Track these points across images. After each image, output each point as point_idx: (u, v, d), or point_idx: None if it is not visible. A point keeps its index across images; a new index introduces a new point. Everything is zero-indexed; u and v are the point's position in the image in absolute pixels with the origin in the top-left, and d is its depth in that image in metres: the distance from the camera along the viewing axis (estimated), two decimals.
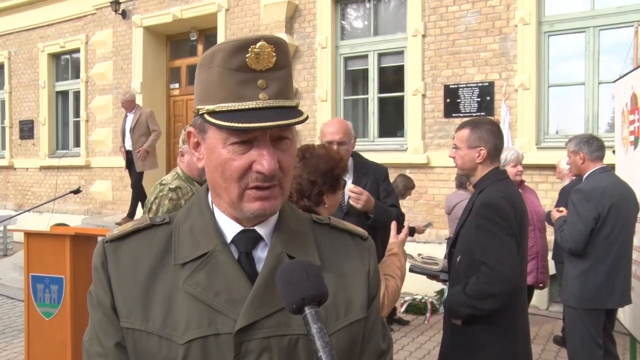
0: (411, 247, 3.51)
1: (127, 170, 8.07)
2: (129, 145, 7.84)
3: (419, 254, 2.75)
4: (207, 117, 0.89)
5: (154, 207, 2.92)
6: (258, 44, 0.86)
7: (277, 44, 0.88)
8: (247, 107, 0.87)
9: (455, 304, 2.33)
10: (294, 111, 0.90)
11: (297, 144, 1.03)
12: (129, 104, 7.84)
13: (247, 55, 0.86)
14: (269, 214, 0.94)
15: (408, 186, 5.82)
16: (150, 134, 7.79)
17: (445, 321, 2.47)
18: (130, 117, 7.85)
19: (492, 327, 2.27)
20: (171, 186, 2.94)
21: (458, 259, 2.38)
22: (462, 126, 2.47)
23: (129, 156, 7.87)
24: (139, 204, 7.85)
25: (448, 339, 2.43)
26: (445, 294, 2.69)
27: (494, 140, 2.39)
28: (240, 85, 0.87)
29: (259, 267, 0.94)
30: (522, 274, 2.37)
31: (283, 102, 0.89)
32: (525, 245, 2.43)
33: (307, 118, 0.91)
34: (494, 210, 2.27)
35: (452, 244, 2.49)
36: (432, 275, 2.67)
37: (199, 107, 0.92)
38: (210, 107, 0.89)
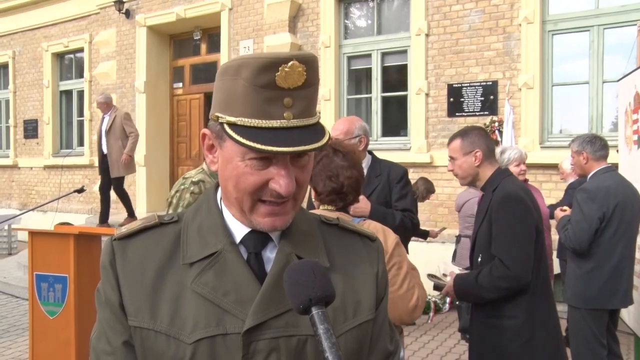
0: (414, 246, 3.52)
1: (100, 174, 7.63)
2: (105, 149, 7.43)
3: (443, 274, 2.83)
4: (227, 129, 0.86)
5: (174, 200, 2.79)
6: (290, 63, 0.83)
7: (309, 63, 0.86)
8: (270, 125, 0.84)
9: (466, 290, 2.47)
10: (317, 131, 0.88)
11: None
12: (103, 106, 7.48)
13: (276, 74, 0.84)
14: (279, 230, 0.94)
15: (429, 190, 5.76)
16: (126, 137, 7.33)
17: (474, 318, 2.49)
18: (106, 120, 7.44)
19: (528, 324, 2.31)
20: (194, 179, 2.80)
21: (479, 258, 2.44)
22: (452, 139, 2.57)
23: (104, 159, 7.45)
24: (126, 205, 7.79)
25: (479, 336, 2.43)
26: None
27: (486, 142, 2.50)
28: (266, 103, 0.85)
29: (268, 267, 0.94)
30: (545, 264, 2.42)
31: (306, 120, 0.87)
32: (544, 237, 2.46)
33: (329, 140, 0.89)
34: (515, 201, 2.33)
35: (472, 248, 2.54)
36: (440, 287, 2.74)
37: (219, 114, 0.89)
38: (232, 119, 0.86)
